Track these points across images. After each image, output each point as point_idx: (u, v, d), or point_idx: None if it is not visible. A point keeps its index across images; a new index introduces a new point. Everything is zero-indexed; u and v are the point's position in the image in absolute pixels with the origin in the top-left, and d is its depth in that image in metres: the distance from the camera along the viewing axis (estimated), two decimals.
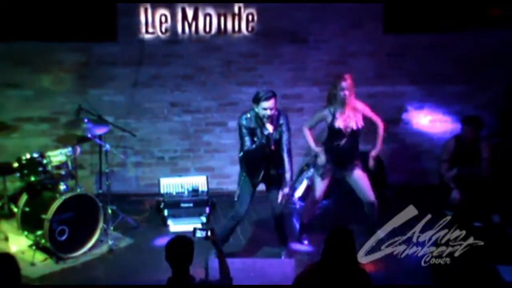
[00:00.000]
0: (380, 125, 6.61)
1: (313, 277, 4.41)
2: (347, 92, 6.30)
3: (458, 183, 7.38)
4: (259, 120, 6.10)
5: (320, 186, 6.68)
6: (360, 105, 6.50)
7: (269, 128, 6.05)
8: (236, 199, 6.44)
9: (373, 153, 6.63)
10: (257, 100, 6.06)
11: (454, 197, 7.33)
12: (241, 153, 6.28)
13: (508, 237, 6.55)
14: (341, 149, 6.47)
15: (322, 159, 6.53)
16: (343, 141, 6.44)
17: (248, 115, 6.15)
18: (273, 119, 6.13)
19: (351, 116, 6.40)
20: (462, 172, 7.40)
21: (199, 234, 4.77)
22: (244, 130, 6.16)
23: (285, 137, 6.24)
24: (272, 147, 6.13)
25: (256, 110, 6.09)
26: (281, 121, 6.22)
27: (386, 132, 6.73)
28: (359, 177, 6.60)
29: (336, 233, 4.42)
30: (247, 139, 6.16)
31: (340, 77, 6.36)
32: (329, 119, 6.43)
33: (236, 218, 6.44)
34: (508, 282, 5.70)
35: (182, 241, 4.49)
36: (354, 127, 6.41)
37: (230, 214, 6.54)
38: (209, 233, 4.77)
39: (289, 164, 6.26)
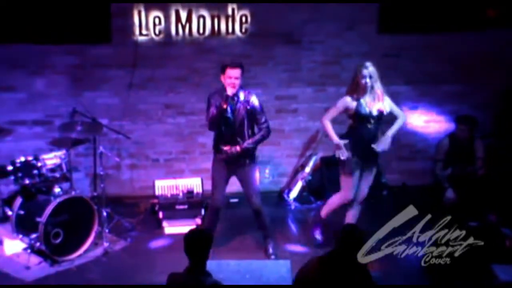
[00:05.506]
0: (403, 116, 6.46)
1: (318, 269, 4.51)
2: (368, 80, 6.15)
3: (453, 183, 7.38)
4: (223, 95, 6.12)
5: (351, 183, 6.40)
6: (386, 99, 6.35)
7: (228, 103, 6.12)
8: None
9: (389, 133, 6.33)
10: (223, 68, 6.11)
11: (449, 196, 7.33)
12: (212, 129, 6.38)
13: (503, 236, 6.54)
14: (368, 136, 6.28)
15: (344, 153, 6.21)
16: (369, 127, 6.27)
17: (214, 92, 6.24)
18: (239, 96, 6.20)
19: (377, 101, 6.25)
20: (457, 171, 7.41)
21: None
22: (208, 105, 6.23)
23: (258, 117, 6.29)
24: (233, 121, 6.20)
25: (223, 81, 6.12)
26: (250, 100, 6.25)
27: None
28: (370, 176, 6.50)
29: (350, 231, 4.64)
30: (210, 111, 6.20)
31: (361, 65, 6.21)
32: (353, 105, 6.23)
33: (215, 205, 6.51)
34: (503, 281, 5.71)
35: (199, 234, 4.49)
36: (382, 110, 6.27)
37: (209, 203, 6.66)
38: None
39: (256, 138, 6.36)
